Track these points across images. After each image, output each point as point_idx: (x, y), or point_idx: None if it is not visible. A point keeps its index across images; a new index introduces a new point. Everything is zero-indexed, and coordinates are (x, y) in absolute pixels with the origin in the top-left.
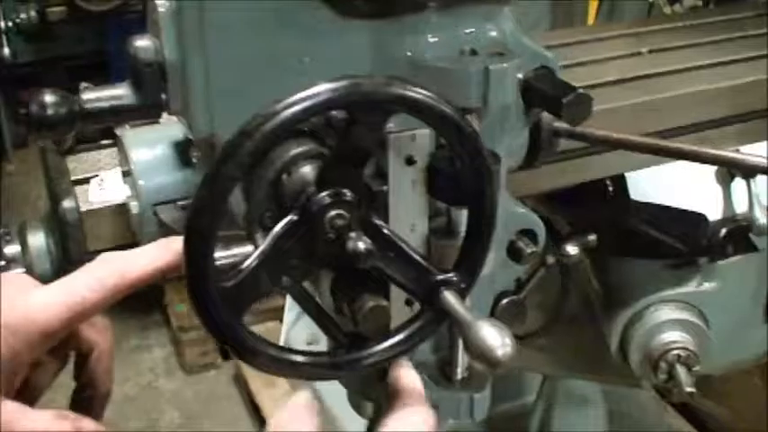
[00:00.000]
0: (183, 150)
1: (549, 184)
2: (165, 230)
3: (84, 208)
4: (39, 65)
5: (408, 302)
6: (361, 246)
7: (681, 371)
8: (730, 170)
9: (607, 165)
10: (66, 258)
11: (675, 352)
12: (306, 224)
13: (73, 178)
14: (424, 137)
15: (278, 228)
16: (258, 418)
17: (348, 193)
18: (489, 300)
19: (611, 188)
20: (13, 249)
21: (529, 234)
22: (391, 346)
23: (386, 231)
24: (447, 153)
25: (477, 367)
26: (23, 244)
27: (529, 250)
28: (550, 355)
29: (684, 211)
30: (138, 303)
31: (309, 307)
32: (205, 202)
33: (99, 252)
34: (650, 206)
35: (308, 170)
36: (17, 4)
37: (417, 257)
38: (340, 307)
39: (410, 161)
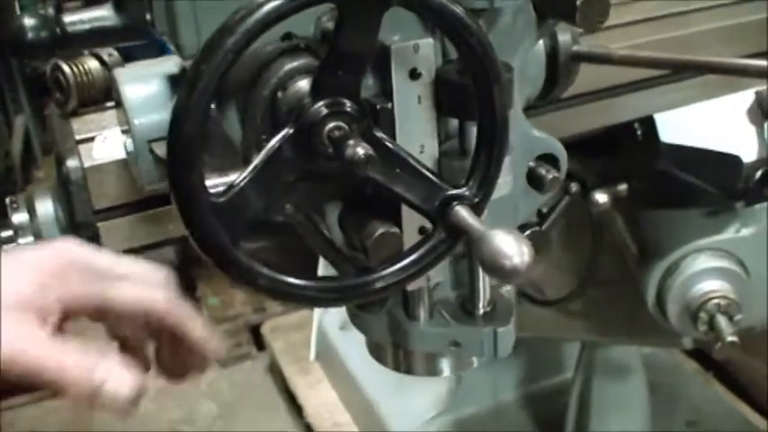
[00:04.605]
0: (178, 84)
1: (575, 127)
2: (162, 167)
3: (87, 164)
4: None
5: (422, 231)
6: (360, 151)
7: (721, 320)
8: (763, 109)
9: (634, 106)
10: (74, 222)
11: (715, 301)
12: (302, 138)
13: (77, 137)
14: (427, 47)
15: (272, 141)
16: (295, 406)
17: (348, 104)
18: None
19: (639, 132)
20: (21, 218)
21: (549, 159)
22: (402, 269)
23: (389, 144)
24: (455, 66)
25: (494, 282)
26: (31, 212)
27: (550, 176)
28: (585, 320)
29: (718, 154)
30: None
31: (315, 238)
32: (187, 105)
33: (107, 211)
34: (682, 149)
35: (303, 84)
36: None
37: (426, 172)
38: (350, 240)
39: (414, 74)
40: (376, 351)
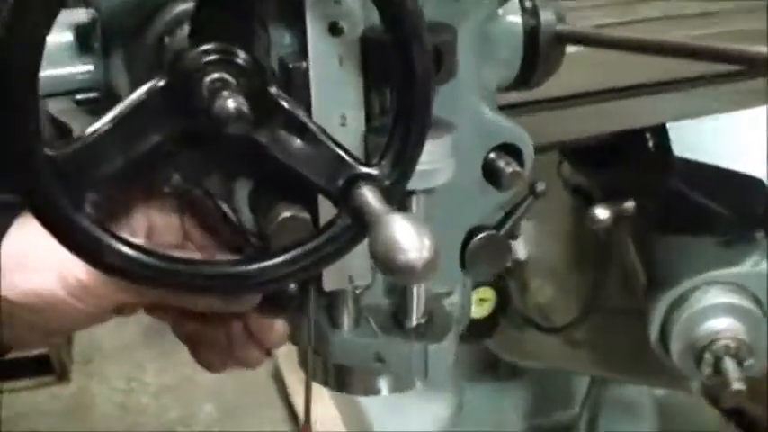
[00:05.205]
0: (85, 35)
1: (578, 130)
2: (54, 125)
3: None
4: None
5: None
6: (231, 104)
7: (729, 364)
8: None
9: (645, 112)
10: None
11: (723, 342)
12: (177, 90)
13: None
14: None
15: (137, 92)
16: (294, 415)
17: (239, 54)
18: (459, 235)
19: (651, 143)
20: None
21: (510, 151)
22: (297, 257)
23: (286, 105)
24: None
25: (390, 279)
26: None
27: (509, 170)
28: (588, 350)
29: (738, 175)
30: None
31: (211, 217)
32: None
33: None
34: (697, 166)
35: None
36: None
37: (330, 144)
38: (259, 226)
39: (335, 30)
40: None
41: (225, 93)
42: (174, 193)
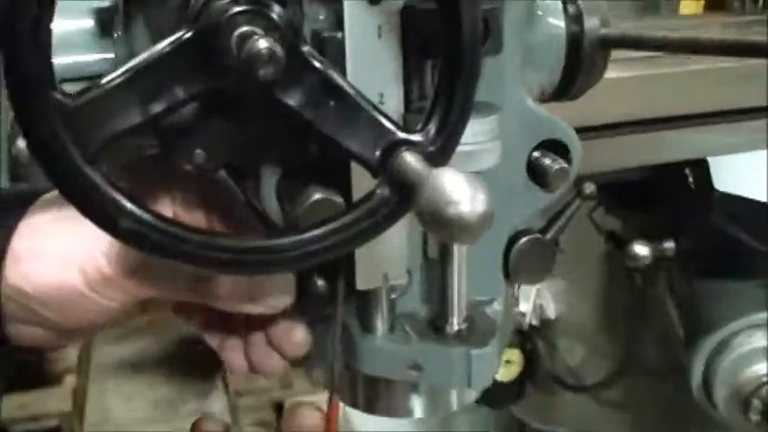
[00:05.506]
0: (106, 21)
1: (613, 162)
2: None
3: None
4: None
5: None
6: (263, 45)
7: None
8: None
9: (684, 145)
10: None
11: None
12: (203, 44)
13: None
14: None
15: (159, 45)
16: None
17: (273, 8)
18: (502, 239)
19: (690, 178)
20: None
21: (556, 149)
22: (334, 231)
23: (320, 66)
24: None
25: (438, 237)
26: None
27: (556, 167)
28: (620, 412)
29: None
30: (197, 367)
31: (236, 207)
32: None
33: None
34: (739, 201)
35: None
36: None
37: (368, 107)
38: (285, 213)
39: None
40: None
41: (255, 36)
42: (198, 172)
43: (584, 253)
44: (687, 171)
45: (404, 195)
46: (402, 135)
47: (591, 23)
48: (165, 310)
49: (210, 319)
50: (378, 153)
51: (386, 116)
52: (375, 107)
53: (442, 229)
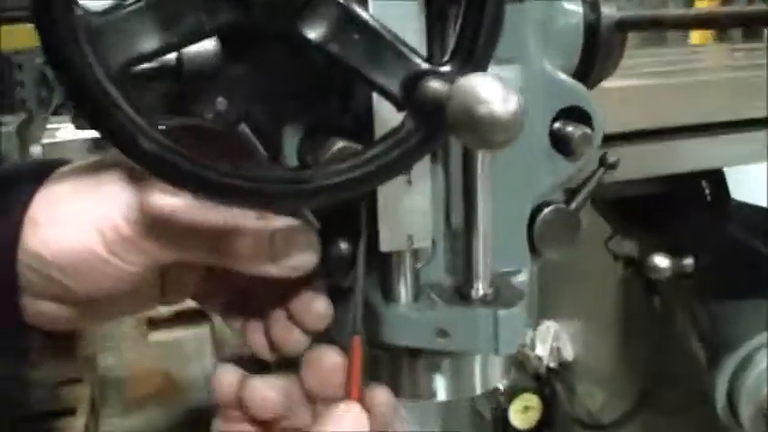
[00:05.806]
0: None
1: (624, 172)
2: None
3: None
4: None
5: None
6: None
7: None
8: None
9: (701, 155)
10: None
11: None
12: None
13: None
14: None
15: None
16: None
17: None
18: (526, 209)
19: (707, 191)
20: None
21: (577, 117)
22: (361, 163)
23: (342, 0)
24: None
25: (470, 144)
26: None
27: (579, 132)
28: None
29: None
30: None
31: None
32: None
33: None
34: (757, 211)
35: None
36: None
37: (392, 39)
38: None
39: None
40: None
41: None
42: (220, 124)
43: (601, 290)
44: (704, 183)
45: (430, 128)
46: (427, 66)
47: (608, 7)
48: (184, 295)
49: (230, 302)
50: (403, 85)
51: (411, 48)
52: (400, 39)
53: (473, 131)
